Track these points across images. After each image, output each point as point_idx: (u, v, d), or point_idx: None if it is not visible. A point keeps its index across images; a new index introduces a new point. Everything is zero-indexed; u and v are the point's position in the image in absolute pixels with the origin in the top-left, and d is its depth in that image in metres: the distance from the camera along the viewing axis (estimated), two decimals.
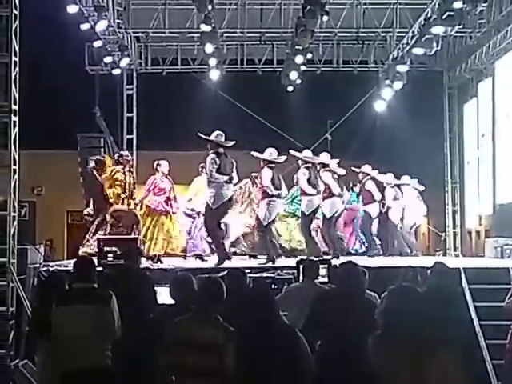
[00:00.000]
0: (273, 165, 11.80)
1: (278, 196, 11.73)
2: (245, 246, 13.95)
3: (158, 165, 12.63)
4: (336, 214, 12.98)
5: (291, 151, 12.82)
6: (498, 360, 8.62)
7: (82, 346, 6.18)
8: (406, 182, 15.00)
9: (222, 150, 11.09)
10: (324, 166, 12.87)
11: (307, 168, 12.46)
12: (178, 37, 16.80)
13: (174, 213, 12.67)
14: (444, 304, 4.69)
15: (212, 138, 11.16)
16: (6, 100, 10.36)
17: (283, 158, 12.07)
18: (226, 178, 10.96)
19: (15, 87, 10.33)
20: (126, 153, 13.37)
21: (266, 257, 11.59)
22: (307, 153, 12.92)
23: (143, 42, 17.48)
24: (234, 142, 11.33)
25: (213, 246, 12.28)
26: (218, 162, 10.90)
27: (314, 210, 12.45)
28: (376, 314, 4.67)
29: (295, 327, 5.18)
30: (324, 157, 13.10)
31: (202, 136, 11.32)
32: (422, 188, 15.11)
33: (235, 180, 11.34)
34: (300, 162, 12.65)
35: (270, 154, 11.85)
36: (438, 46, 14.24)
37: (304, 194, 12.39)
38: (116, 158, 12.96)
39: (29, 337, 7.96)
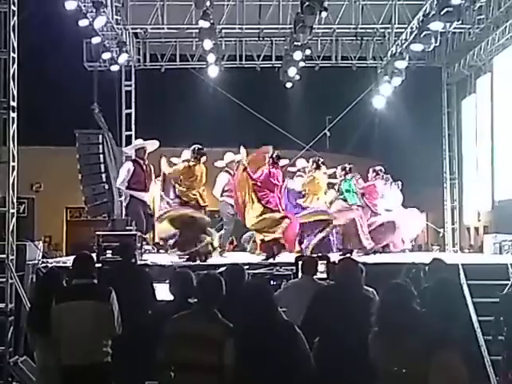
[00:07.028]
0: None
1: None
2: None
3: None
4: None
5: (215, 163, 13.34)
6: (496, 356, 8.63)
7: (82, 342, 6.19)
8: None
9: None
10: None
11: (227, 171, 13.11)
12: (176, 33, 16.75)
13: None
14: (442, 300, 4.68)
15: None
16: (4, 96, 10.34)
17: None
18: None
19: (13, 83, 10.31)
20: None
21: None
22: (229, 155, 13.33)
23: (141, 38, 17.43)
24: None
25: None
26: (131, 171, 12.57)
27: None
28: (373, 311, 4.69)
29: (294, 323, 5.19)
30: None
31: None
32: None
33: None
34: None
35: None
36: (436, 42, 14.19)
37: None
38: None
39: (28, 333, 7.94)
